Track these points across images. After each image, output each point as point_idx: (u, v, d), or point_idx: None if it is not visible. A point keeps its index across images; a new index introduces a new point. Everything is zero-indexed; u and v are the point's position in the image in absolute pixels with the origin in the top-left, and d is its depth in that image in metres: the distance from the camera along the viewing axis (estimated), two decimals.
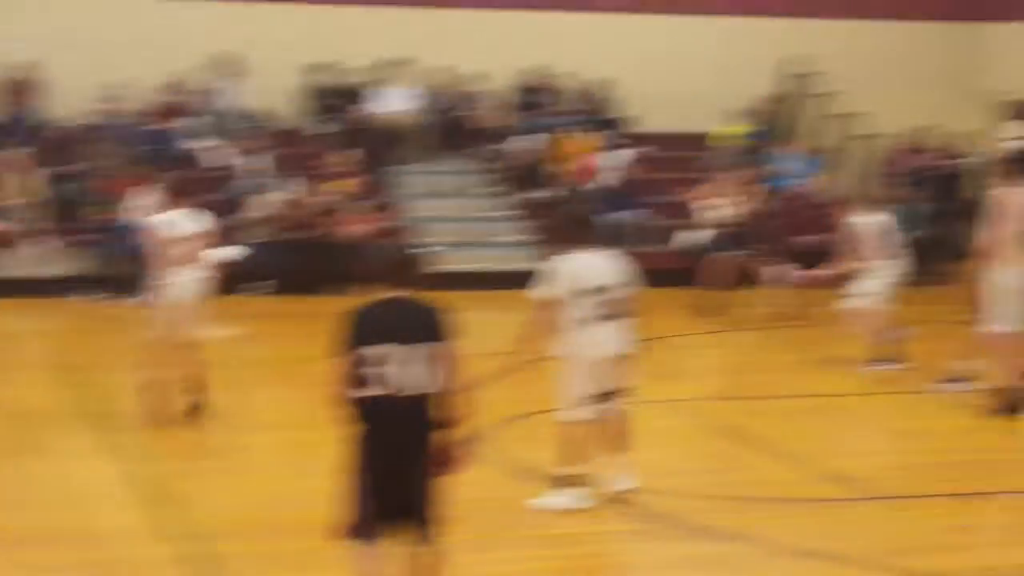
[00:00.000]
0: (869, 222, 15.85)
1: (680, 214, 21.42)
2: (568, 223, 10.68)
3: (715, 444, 12.86)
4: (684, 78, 24.40)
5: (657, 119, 24.26)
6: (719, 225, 20.38)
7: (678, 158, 23.88)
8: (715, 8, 24.69)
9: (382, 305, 7.38)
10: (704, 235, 20.63)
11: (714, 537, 9.90)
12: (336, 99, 23.18)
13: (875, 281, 15.67)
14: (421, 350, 7.28)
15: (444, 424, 7.38)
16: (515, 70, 24.03)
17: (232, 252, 14.96)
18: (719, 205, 20.50)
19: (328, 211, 21.20)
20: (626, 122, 24.25)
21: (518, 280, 21.76)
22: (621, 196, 22.34)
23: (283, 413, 13.83)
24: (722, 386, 14.57)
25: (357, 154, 21.90)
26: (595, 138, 23.23)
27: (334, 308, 7.68)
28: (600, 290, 10.15)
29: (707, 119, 24.04)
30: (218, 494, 10.74)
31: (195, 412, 12.84)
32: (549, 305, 10.13)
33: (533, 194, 23.03)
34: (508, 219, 22.84)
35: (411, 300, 7.41)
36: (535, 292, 10.25)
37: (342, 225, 20.93)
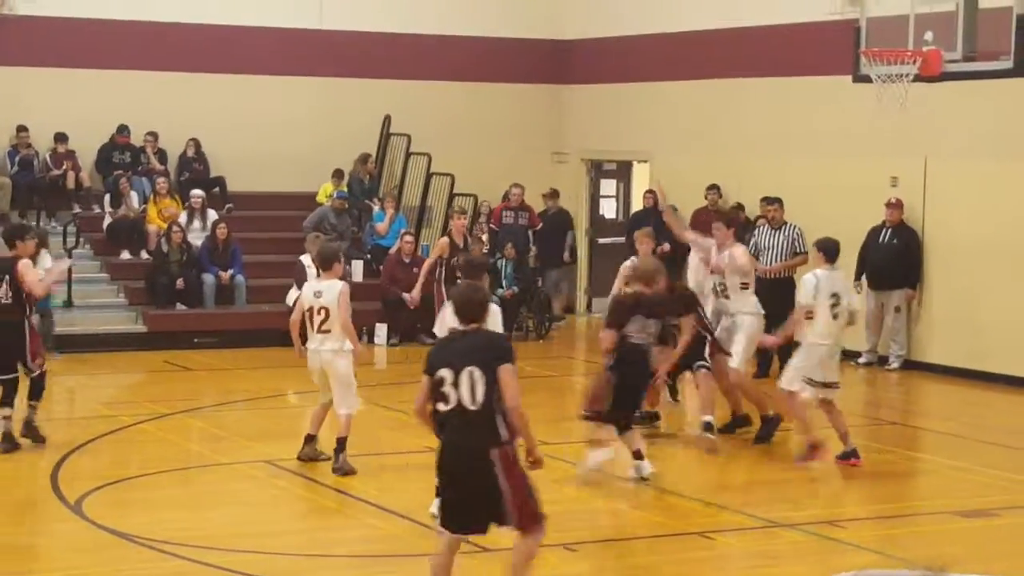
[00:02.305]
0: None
1: (283, 273, 21.41)
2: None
3: (320, 502, 12.77)
4: (282, 138, 24.28)
5: (256, 179, 24.08)
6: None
7: (277, 218, 23.90)
8: (311, 69, 24.64)
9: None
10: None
11: None
12: None
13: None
14: None
15: None
16: (103, 129, 23.40)
17: None
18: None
19: None
20: (221, 182, 23.93)
21: (112, 341, 21.54)
22: (216, 255, 22.00)
23: None
24: (325, 444, 14.32)
25: None
26: (188, 199, 22.85)
27: None
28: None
29: (305, 179, 24.05)
30: None
31: None
32: None
33: (124, 255, 22.49)
34: (99, 281, 22.20)
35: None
36: None
37: None
